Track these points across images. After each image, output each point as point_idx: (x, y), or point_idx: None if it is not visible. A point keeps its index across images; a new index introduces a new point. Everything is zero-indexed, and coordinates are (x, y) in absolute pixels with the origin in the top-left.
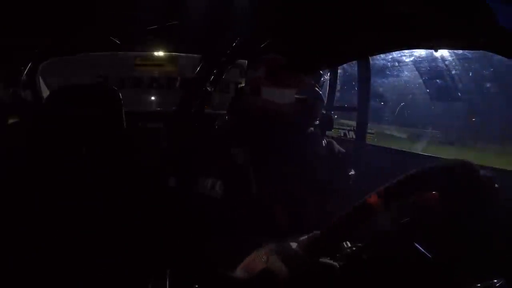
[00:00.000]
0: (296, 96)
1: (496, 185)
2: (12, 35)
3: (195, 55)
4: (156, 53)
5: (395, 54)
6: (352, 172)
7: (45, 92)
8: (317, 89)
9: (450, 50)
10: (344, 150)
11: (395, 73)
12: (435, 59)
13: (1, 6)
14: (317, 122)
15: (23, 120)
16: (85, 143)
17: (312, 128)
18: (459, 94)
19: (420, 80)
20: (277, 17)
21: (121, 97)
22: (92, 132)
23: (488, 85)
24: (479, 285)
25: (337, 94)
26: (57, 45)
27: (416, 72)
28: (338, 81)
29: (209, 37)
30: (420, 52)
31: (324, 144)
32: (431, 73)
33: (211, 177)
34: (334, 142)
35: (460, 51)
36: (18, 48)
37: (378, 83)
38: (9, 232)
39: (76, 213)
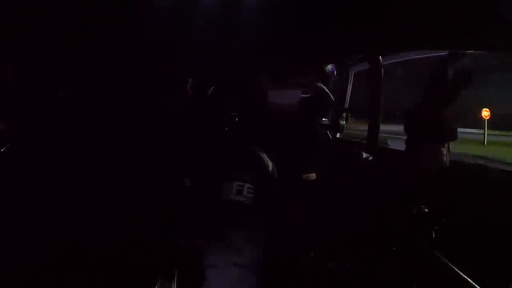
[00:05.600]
0: (301, 95)
1: None
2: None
3: None
4: None
5: None
6: (366, 155)
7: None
8: (323, 87)
9: None
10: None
11: None
12: None
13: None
14: (327, 121)
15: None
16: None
17: (323, 133)
18: None
19: None
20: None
21: None
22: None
23: None
24: None
25: None
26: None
27: None
28: (351, 83)
29: (217, 40)
30: None
31: (336, 149)
32: None
33: (236, 180)
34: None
35: None
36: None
37: None
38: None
39: (86, 211)
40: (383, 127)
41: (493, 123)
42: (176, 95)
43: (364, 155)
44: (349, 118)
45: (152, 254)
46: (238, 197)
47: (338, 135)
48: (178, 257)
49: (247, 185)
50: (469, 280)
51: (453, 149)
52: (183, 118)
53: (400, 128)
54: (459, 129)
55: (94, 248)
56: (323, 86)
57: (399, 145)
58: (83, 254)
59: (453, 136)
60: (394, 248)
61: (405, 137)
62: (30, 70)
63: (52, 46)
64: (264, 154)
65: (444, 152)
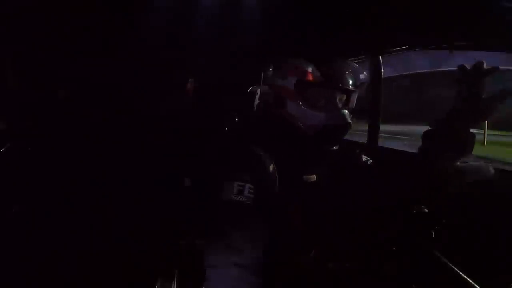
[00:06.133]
0: (324, 123)
1: None
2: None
3: None
4: None
5: None
6: (366, 159)
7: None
8: (347, 117)
9: None
10: (366, 159)
11: None
12: None
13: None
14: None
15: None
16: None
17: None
18: None
19: None
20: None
21: None
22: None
23: None
24: None
25: None
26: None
27: None
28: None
29: (224, 37)
30: None
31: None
32: None
33: (237, 181)
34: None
35: None
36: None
37: None
38: None
39: (85, 211)
40: (383, 127)
41: (493, 123)
42: (176, 95)
43: (364, 158)
44: None
45: (152, 254)
46: (239, 197)
47: None
48: (178, 257)
49: (248, 185)
50: (469, 280)
51: None
52: (183, 118)
53: (398, 128)
54: None
55: (94, 247)
56: (349, 115)
57: (399, 145)
58: (83, 254)
59: (471, 150)
60: (394, 248)
61: (404, 137)
62: (30, 70)
63: (52, 46)
64: (265, 154)
65: (460, 163)
